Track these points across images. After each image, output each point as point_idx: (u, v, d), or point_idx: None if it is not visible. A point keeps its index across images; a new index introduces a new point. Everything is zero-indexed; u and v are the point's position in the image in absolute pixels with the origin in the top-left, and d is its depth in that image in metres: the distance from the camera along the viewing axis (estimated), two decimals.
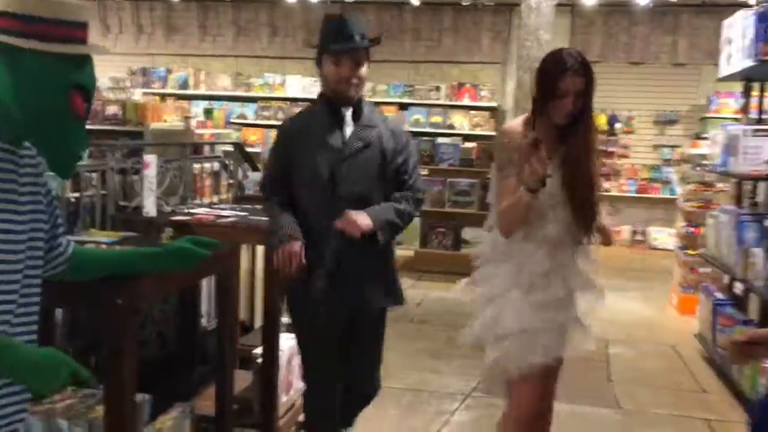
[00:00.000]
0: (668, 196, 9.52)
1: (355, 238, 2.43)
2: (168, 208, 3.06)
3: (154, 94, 9.53)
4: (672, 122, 9.99)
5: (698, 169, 6.69)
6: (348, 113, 2.56)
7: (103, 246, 2.16)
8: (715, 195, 6.46)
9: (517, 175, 2.34)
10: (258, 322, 4.01)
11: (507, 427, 2.56)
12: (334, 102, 2.55)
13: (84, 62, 1.41)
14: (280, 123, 10.84)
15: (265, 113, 10.14)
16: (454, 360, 4.72)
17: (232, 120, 9.50)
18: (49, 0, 1.34)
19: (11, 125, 1.36)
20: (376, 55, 2.73)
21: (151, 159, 2.85)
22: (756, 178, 4.27)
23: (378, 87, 9.80)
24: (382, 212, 2.53)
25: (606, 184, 9.43)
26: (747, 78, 4.92)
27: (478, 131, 9.46)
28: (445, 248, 7.43)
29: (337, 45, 2.46)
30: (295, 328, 2.77)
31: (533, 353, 2.43)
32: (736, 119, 8.57)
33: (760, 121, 4.87)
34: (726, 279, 5.14)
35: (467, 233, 7.42)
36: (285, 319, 3.14)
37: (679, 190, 9.24)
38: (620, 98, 9.62)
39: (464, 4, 9.42)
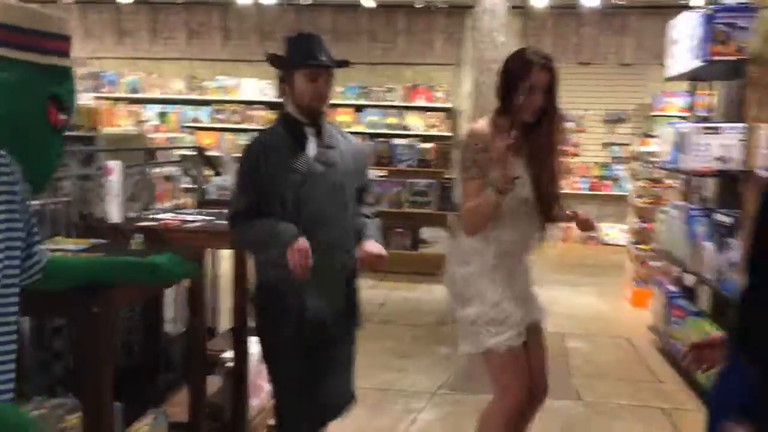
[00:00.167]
0: (619, 193, 9.77)
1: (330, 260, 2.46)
2: (132, 214, 3.04)
3: (104, 98, 9.35)
4: (620, 121, 10.26)
5: (648, 166, 6.90)
6: (311, 133, 2.53)
7: (71, 254, 2.14)
8: (664, 191, 6.66)
9: (484, 176, 2.40)
10: (222, 326, 4.00)
11: (492, 417, 2.60)
12: (299, 122, 2.52)
13: (64, 75, 1.41)
14: (234, 126, 10.59)
15: (220, 116, 10.06)
16: (419, 359, 4.77)
17: (186, 124, 9.40)
18: (32, 11, 1.34)
19: None
20: None
21: (114, 165, 2.82)
22: (705, 174, 4.43)
23: (334, 89, 9.82)
24: (377, 233, 2.60)
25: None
26: (693, 78, 5.10)
27: (433, 132, 9.56)
28: (404, 248, 7.50)
29: (317, 61, 2.44)
30: (262, 334, 2.65)
31: (506, 334, 2.49)
32: (681, 117, 8.86)
33: (706, 119, 5.06)
34: (677, 272, 5.32)
35: (426, 233, 7.50)
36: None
37: (630, 187, 9.50)
38: (571, 98, 9.82)
39: (417, 6, 9.51)
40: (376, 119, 9.75)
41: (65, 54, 1.40)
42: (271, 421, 3.02)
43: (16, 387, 1.33)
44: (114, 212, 2.82)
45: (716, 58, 4.06)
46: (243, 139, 9.98)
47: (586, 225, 2.67)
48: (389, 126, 9.66)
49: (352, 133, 3.07)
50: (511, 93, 2.44)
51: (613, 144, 10.28)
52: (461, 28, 9.89)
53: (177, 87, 10.21)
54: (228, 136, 9.93)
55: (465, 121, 9.95)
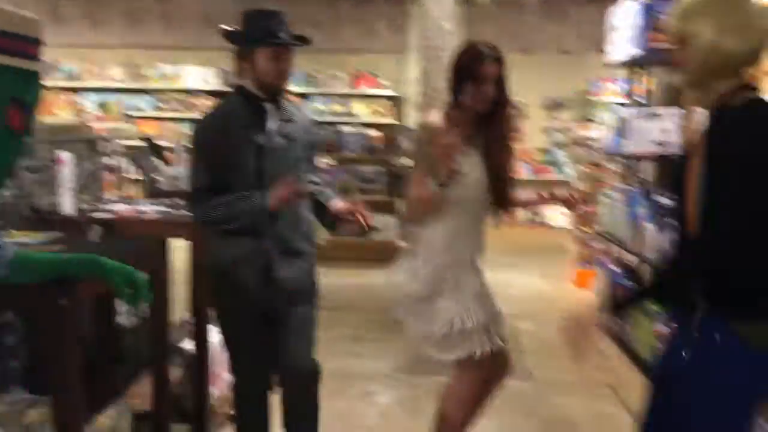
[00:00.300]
0: (560, 178, 10.03)
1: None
2: (85, 206, 2.99)
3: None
4: (561, 107, 10.52)
5: (589, 150, 7.10)
6: (270, 108, 2.53)
7: (31, 247, 2.11)
8: (604, 174, 6.88)
9: (431, 168, 2.46)
10: (177, 317, 3.97)
11: (450, 401, 2.67)
12: (258, 97, 2.50)
13: (30, 78, 1.40)
14: (177, 116, 10.38)
15: (161, 105, 9.87)
16: (373, 343, 4.84)
17: (127, 113, 9.20)
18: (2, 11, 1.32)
19: None
20: None
21: (67, 156, 2.77)
22: (646, 158, 4.61)
23: None
24: (334, 192, 2.72)
25: None
26: (632, 64, 5.27)
27: (379, 119, 9.61)
28: (354, 235, 7.52)
29: (278, 39, 2.43)
30: (223, 317, 2.69)
31: (479, 343, 2.56)
32: (619, 103, 9.12)
33: (645, 105, 5.24)
34: (620, 253, 5.52)
35: (375, 220, 7.54)
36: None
37: (570, 171, 9.77)
38: (513, 85, 10.00)
39: None
40: (321, 107, 9.74)
41: (33, 57, 1.37)
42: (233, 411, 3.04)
43: None
44: (67, 204, 2.77)
45: (655, 45, 4.22)
46: (185, 128, 9.84)
47: (569, 203, 2.73)
48: (335, 114, 9.67)
49: None
50: (463, 86, 2.50)
51: (554, 129, 10.53)
52: (405, 15, 9.94)
53: (116, 75, 9.97)
54: (171, 125, 9.76)
55: (410, 108, 10.04)
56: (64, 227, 2.62)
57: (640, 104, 5.21)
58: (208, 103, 9.83)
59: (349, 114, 9.72)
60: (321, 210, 2.66)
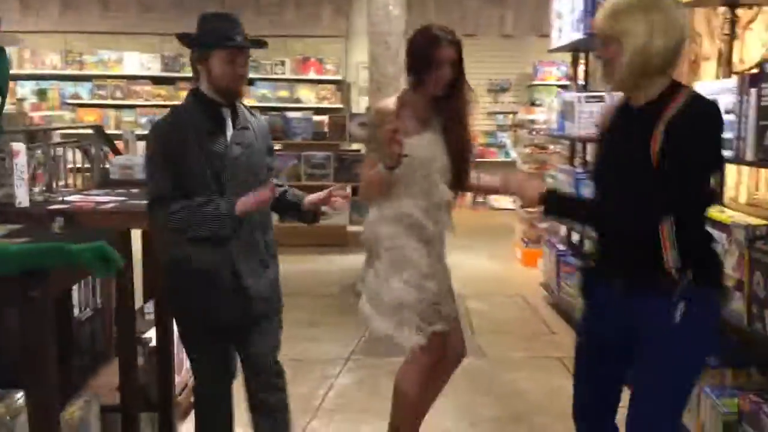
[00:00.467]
0: (504, 159, 10.24)
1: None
2: (39, 198, 2.95)
3: None
4: (504, 90, 10.71)
5: (533, 133, 7.28)
6: (227, 114, 2.50)
7: None
8: (549, 156, 7.08)
9: (380, 151, 2.52)
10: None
11: (405, 380, 2.75)
12: (215, 103, 2.47)
13: None
14: (118, 102, 10.11)
15: (101, 92, 9.65)
16: (329, 328, 4.90)
17: (66, 101, 8.96)
18: None
19: None
20: None
21: (20, 147, 2.73)
22: (590, 140, 4.77)
23: None
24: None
25: None
26: (575, 49, 5.44)
27: (325, 104, 9.61)
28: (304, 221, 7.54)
29: (233, 42, 2.40)
30: (185, 326, 2.62)
31: (433, 322, 2.63)
32: (560, 86, 9.37)
33: (585, 88, 5.41)
34: (563, 231, 5.71)
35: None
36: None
37: (514, 153, 9.97)
38: None
39: None
40: (267, 93, 9.68)
41: None
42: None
43: None
44: (22, 195, 2.73)
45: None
46: (127, 116, 9.64)
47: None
48: (281, 99, 9.62)
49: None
50: (420, 70, 2.55)
51: (497, 113, 10.72)
52: (349, 0, 9.94)
53: (52, 62, 9.67)
54: (111, 112, 9.55)
55: (356, 93, 10.07)
56: (20, 219, 2.58)
57: (584, 87, 5.38)
58: (148, 90, 9.66)
59: (296, 99, 9.69)
60: (295, 209, 2.67)
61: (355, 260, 6.25)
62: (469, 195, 10.38)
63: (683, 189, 1.90)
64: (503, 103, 10.73)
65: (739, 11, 3.32)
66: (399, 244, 2.62)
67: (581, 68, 5.62)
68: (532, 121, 7.73)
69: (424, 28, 2.63)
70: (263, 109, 8.86)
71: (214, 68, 2.42)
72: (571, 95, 4.84)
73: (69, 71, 9.64)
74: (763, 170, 3.41)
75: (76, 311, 3.52)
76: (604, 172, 2.09)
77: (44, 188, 3.31)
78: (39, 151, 3.32)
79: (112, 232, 2.25)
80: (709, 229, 2.18)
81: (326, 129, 7.66)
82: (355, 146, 8.02)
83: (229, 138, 2.47)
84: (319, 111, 9.02)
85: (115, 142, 4.56)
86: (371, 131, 2.69)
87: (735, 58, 3.41)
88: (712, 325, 2.04)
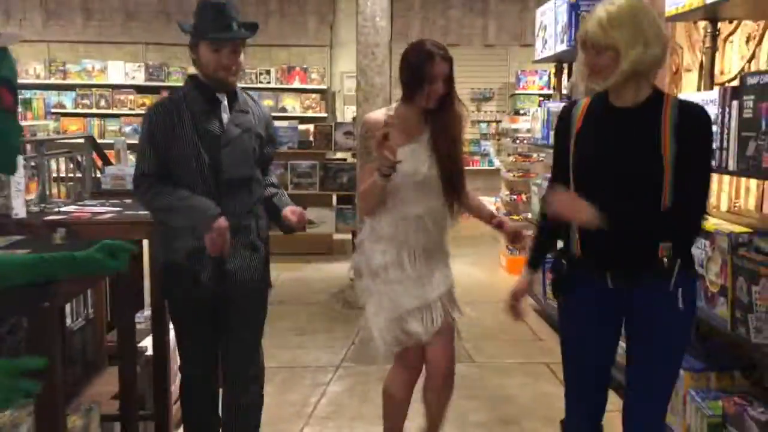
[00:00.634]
0: (487, 168, 10.34)
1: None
2: (35, 208, 2.97)
3: None
4: (486, 99, 10.82)
5: (518, 142, 7.37)
6: (224, 99, 2.54)
7: None
8: (532, 165, 7.17)
9: (373, 161, 2.58)
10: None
11: (392, 382, 2.83)
12: (211, 88, 2.52)
13: (3, 55, 1.42)
14: (102, 112, 10.08)
15: (85, 101, 9.62)
16: (318, 335, 4.93)
17: (51, 110, 8.92)
18: None
19: None
20: None
21: (17, 158, 2.74)
22: None
23: None
24: (289, 200, 2.69)
25: None
26: (558, 60, 5.54)
27: (310, 113, 9.66)
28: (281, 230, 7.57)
29: (217, 34, 2.43)
30: (173, 308, 2.69)
31: (406, 332, 2.68)
32: (542, 95, 9.50)
33: (569, 98, 5.51)
34: None
35: (311, 213, 7.60)
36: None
37: (497, 161, 10.08)
38: None
39: None
40: None
41: None
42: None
43: None
44: (18, 207, 2.75)
45: None
46: (112, 125, 9.62)
47: (515, 238, 2.83)
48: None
49: None
50: (413, 84, 2.61)
51: (480, 121, 10.82)
52: (333, 9, 10.01)
53: (35, 71, 9.63)
54: (95, 121, 9.53)
55: (341, 102, 10.13)
56: (18, 231, 2.61)
57: (568, 97, 5.47)
58: (132, 99, 9.65)
59: (281, 109, 9.73)
60: (275, 217, 2.71)
61: (341, 268, 6.31)
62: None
63: (707, 188, 2.11)
64: (486, 112, 10.83)
65: (720, 24, 3.42)
66: (369, 253, 2.70)
67: (565, 78, 5.73)
68: (516, 130, 7.83)
69: (418, 44, 2.67)
70: None
71: (202, 56, 2.48)
72: (556, 105, 4.93)
73: (53, 80, 9.60)
74: (743, 179, 3.51)
75: (68, 321, 3.54)
76: (597, 170, 2.11)
77: (37, 199, 3.33)
78: (33, 162, 3.34)
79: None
80: None
81: (312, 138, 7.71)
82: (340, 155, 8.06)
83: (225, 120, 2.52)
84: (303, 120, 9.06)
85: (105, 151, 4.58)
86: (364, 142, 2.73)
87: (716, 70, 3.52)
88: (696, 311, 2.22)
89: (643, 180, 2.05)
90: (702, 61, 3.66)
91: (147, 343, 3.05)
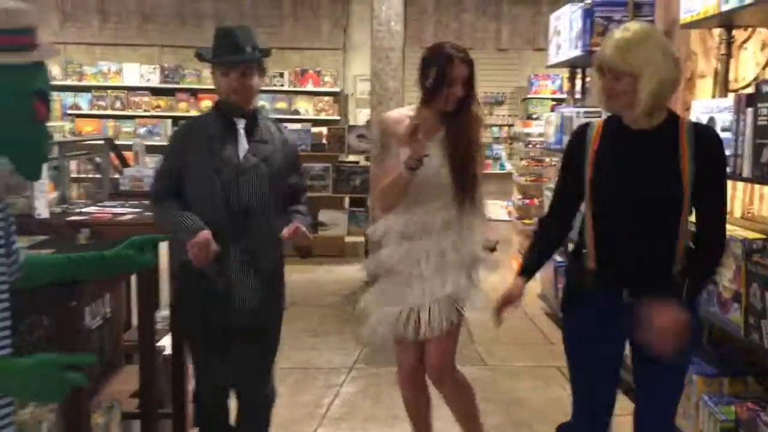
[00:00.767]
0: (499, 171, 10.34)
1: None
2: (57, 209, 3.02)
3: None
4: (499, 103, 10.83)
5: (530, 146, 7.39)
6: (241, 125, 2.55)
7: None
8: (545, 169, 7.19)
9: (392, 157, 2.60)
10: (136, 318, 3.99)
11: (399, 374, 2.91)
12: (227, 112, 2.55)
13: (40, 68, 1.45)
14: (117, 113, 10.17)
15: (101, 103, 9.70)
16: (330, 337, 4.97)
17: (67, 111, 9.01)
18: (3, 9, 1.35)
19: None
20: None
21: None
22: None
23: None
24: (306, 220, 2.62)
25: None
26: (572, 65, 5.56)
27: (323, 116, 9.70)
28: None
29: (224, 57, 2.51)
30: (186, 326, 2.74)
31: (404, 328, 2.72)
32: (554, 99, 9.50)
33: (581, 102, 5.53)
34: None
35: (323, 216, 7.66)
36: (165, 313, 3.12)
37: (509, 165, 10.09)
38: None
39: None
40: (266, 104, 9.76)
41: (34, 46, 1.42)
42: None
43: None
44: (41, 207, 2.80)
45: (595, 48, 4.48)
46: (126, 127, 9.71)
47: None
48: (279, 111, 9.70)
49: None
50: (433, 86, 2.63)
51: (492, 125, 10.83)
52: (346, 13, 10.06)
53: (53, 73, 9.73)
54: (110, 123, 9.61)
55: (354, 105, 10.17)
56: (41, 231, 2.65)
57: (582, 103, 5.49)
58: (147, 101, 9.73)
59: (294, 111, 9.78)
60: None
61: (353, 270, 6.34)
62: None
63: (725, 214, 2.19)
64: (498, 116, 10.85)
65: (735, 31, 3.43)
66: (378, 252, 2.75)
67: (578, 83, 5.74)
68: (529, 135, 7.84)
69: (438, 46, 2.70)
70: None
71: (215, 81, 2.58)
72: (569, 110, 4.95)
73: (69, 82, 9.69)
74: (757, 185, 3.52)
75: (86, 320, 3.59)
76: (618, 192, 2.12)
77: (58, 200, 3.39)
78: (54, 164, 3.40)
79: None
80: None
81: (325, 140, 7.74)
82: (352, 158, 8.10)
83: (242, 146, 2.54)
84: (317, 123, 9.10)
85: (123, 153, 4.64)
86: (382, 139, 2.75)
87: (730, 77, 3.53)
88: (698, 312, 2.27)
89: (663, 203, 2.07)
90: (717, 68, 3.67)
91: (165, 342, 3.09)
